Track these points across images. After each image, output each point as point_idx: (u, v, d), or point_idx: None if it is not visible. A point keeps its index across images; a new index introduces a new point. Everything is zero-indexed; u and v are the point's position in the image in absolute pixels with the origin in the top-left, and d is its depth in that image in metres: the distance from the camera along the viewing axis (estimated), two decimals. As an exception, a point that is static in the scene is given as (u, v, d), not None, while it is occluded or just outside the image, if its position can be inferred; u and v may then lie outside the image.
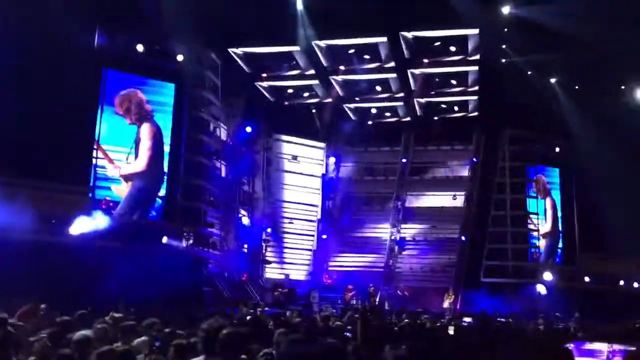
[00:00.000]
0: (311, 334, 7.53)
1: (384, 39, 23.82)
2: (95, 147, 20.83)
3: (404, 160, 30.40)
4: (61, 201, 18.81)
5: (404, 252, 28.73)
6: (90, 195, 20.62)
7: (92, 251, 17.80)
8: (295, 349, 3.38)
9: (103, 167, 21.26)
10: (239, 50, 24.82)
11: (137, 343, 7.01)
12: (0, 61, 17.21)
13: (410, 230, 29.50)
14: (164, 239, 21.41)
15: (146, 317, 8.44)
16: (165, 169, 22.54)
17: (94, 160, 20.86)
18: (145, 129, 22.17)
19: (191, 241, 22.69)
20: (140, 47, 21.58)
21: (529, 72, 25.23)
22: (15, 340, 6.25)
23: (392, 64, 24.94)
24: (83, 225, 19.03)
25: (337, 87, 26.96)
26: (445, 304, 24.92)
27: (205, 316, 9.98)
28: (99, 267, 17.42)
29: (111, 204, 21.10)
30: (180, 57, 22.52)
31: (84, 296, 15.16)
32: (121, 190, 21.53)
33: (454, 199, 29.45)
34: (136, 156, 21.89)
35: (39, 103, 17.79)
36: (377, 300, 25.08)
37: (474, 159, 29.59)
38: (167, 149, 22.56)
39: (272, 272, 27.89)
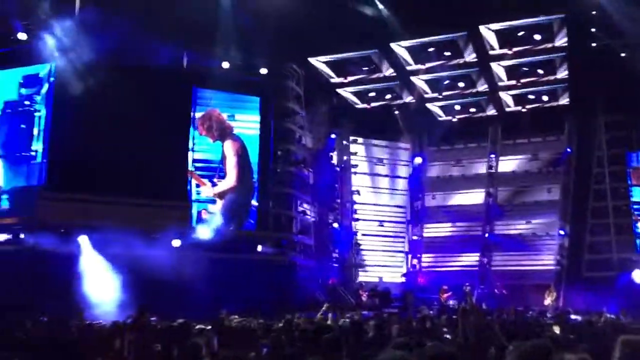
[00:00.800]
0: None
1: (464, 33, 23.35)
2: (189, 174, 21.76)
3: (492, 156, 29.62)
4: (162, 216, 19.83)
5: (498, 250, 27.98)
6: (189, 209, 21.58)
7: (193, 262, 18.67)
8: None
9: (198, 186, 22.21)
10: (319, 59, 25.16)
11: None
12: (96, 83, 18.46)
13: (503, 227, 28.68)
14: (259, 248, 22.10)
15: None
16: (255, 180, 23.24)
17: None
18: (229, 146, 22.90)
19: (284, 249, 23.26)
20: (225, 64, 22.39)
21: (623, 54, 23.87)
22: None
23: (474, 58, 24.39)
24: (184, 238, 20.00)
25: (419, 87, 26.71)
26: (547, 301, 24.00)
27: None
28: (199, 277, 18.24)
29: (208, 217, 21.99)
30: (263, 71, 23.21)
31: (187, 305, 15.98)
32: (217, 208, 22.40)
33: (549, 192, 28.34)
34: (225, 173, 22.64)
35: (135, 122, 18.88)
36: (474, 299, 24.51)
37: (568, 149, 28.35)
38: (255, 160, 23.25)
39: (364, 276, 28.00)
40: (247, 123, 23.50)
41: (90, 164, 18.53)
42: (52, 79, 20.14)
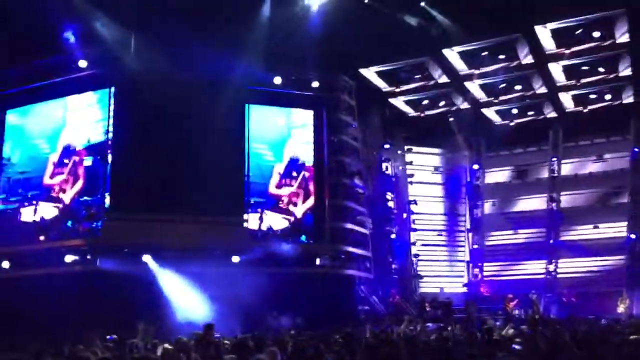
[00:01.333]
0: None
1: (519, 35, 22.77)
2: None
3: (554, 159, 28.67)
4: (221, 233, 20.06)
5: (564, 256, 26.97)
6: (246, 225, 21.75)
7: (252, 278, 18.80)
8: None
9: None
10: (370, 70, 25.06)
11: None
12: (154, 104, 18.92)
13: (568, 232, 27.65)
14: (317, 261, 22.03)
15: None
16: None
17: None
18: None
19: (342, 262, 23.12)
20: (277, 80, 22.58)
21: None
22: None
23: (531, 59, 23.73)
24: (243, 253, 20.17)
25: (474, 92, 26.19)
26: (620, 309, 22.89)
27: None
28: (259, 292, 18.34)
29: (270, 232, 22.14)
30: (315, 84, 23.29)
31: (247, 320, 16.07)
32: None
33: (617, 195, 27.17)
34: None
35: (192, 140, 19.27)
36: (541, 308, 23.68)
37: (636, 149, 27.13)
38: (309, 174, 23.35)
39: (425, 287, 27.52)
40: (301, 137, 23.62)
41: (151, 183, 18.96)
42: (112, 101, 20.77)
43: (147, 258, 18.73)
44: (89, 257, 19.00)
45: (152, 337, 14.17)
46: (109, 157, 20.33)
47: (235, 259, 19.91)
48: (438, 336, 11.34)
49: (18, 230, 21.09)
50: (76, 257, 19.19)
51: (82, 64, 20.67)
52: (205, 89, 19.63)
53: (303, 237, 22.75)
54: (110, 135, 20.46)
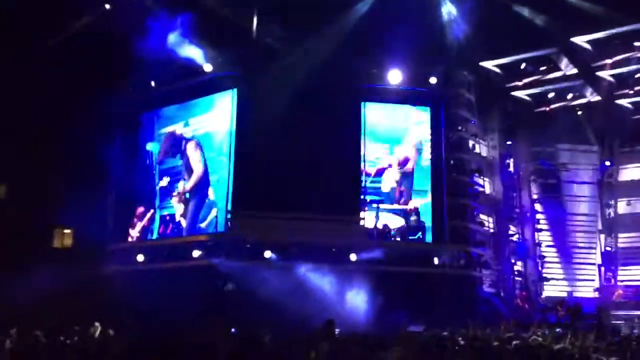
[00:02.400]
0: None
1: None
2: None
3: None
4: (339, 231, 20.22)
5: None
6: (362, 223, 21.75)
7: (371, 276, 18.78)
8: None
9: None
10: (491, 63, 24.12)
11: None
12: (274, 104, 19.46)
13: None
14: (436, 261, 21.58)
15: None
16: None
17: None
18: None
19: (462, 262, 22.47)
20: (394, 77, 22.34)
21: None
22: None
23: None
24: (359, 251, 20.20)
25: (606, 83, 24.38)
26: None
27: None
28: (376, 290, 18.30)
29: (387, 230, 22.01)
30: (432, 80, 22.79)
31: (369, 319, 16.05)
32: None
33: None
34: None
35: (311, 139, 19.60)
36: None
37: None
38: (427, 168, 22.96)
39: (551, 290, 26.04)
40: (418, 133, 23.25)
41: (271, 182, 19.55)
42: (235, 103, 21.65)
43: (268, 254, 19.30)
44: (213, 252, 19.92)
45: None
46: (232, 157, 21.19)
47: (353, 257, 19.98)
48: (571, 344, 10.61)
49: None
50: (201, 252, 20.20)
51: (208, 67, 21.73)
52: (322, 87, 19.85)
53: (419, 235, 22.33)
54: (234, 136, 21.34)
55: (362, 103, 22.48)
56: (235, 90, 21.62)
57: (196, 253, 20.15)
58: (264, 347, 7.85)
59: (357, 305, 17.34)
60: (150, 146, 24.20)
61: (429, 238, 22.39)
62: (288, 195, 19.45)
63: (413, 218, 22.36)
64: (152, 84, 23.40)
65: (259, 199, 19.62)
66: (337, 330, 11.87)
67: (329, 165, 19.88)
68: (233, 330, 13.96)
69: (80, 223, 21.47)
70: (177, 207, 22.72)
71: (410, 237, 22.14)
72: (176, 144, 23.43)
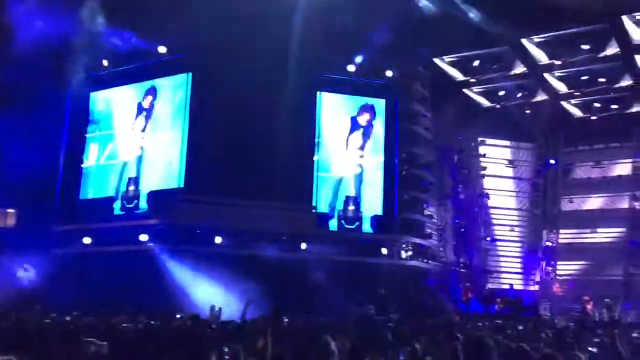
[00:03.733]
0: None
1: (605, 25, 21.66)
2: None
3: (638, 157, 27.16)
4: (289, 220, 20.27)
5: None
6: (314, 212, 21.89)
7: (321, 265, 18.95)
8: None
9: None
10: (445, 59, 24.54)
11: None
12: (228, 92, 19.31)
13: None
14: (384, 251, 21.93)
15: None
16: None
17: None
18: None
19: (410, 253, 22.92)
20: (351, 67, 22.48)
21: None
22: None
23: (617, 50, 22.55)
24: (310, 240, 20.35)
25: (553, 84, 25.18)
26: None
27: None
28: (327, 280, 18.47)
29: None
30: (389, 73, 23.05)
31: (318, 305, 16.20)
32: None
33: None
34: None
35: (264, 128, 19.54)
36: (617, 312, 22.61)
37: None
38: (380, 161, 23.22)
39: (495, 283, 26.89)
40: (372, 125, 23.48)
41: (224, 168, 19.41)
42: (189, 87, 21.37)
43: (218, 240, 19.22)
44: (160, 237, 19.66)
45: (217, 318, 14.58)
46: (185, 141, 20.94)
47: (303, 245, 20.10)
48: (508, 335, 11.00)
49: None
50: (147, 236, 19.91)
51: (162, 49, 21.37)
52: (279, 75, 19.75)
53: (369, 227, 22.61)
54: (187, 121, 21.08)
55: (318, 92, 22.57)
56: (190, 74, 21.34)
57: (143, 237, 19.83)
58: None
59: (306, 292, 17.43)
60: (96, 128, 23.69)
61: (367, 229, 22.62)
62: (240, 183, 19.37)
63: (351, 208, 22.55)
64: (105, 63, 22.85)
65: (211, 185, 19.46)
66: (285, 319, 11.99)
67: (282, 153, 19.84)
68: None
69: (25, 203, 20.88)
70: (129, 190, 22.34)
71: (347, 227, 22.33)
72: (129, 125, 23.01)
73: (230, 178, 19.40)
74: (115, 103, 23.49)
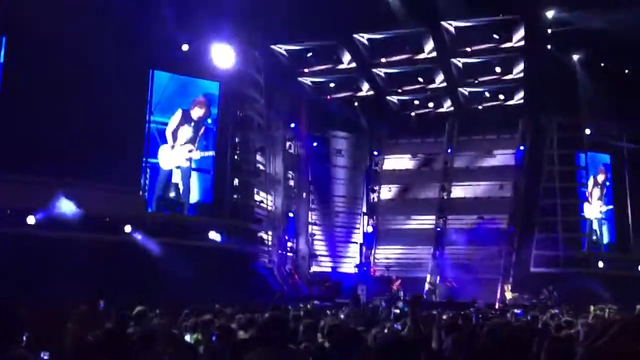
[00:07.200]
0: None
1: (425, 29, 23.66)
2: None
3: (448, 151, 30.10)
4: (114, 202, 19.41)
5: (450, 243, 28.53)
6: (141, 194, 21.20)
7: (147, 249, 18.43)
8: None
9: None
10: (281, 47, 25.04)
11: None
12: (47, 63, 17.87)
13: (456, 221, 29.25)
14: (211, 234, 21.87)
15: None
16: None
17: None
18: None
19: (239, 237, 23.15)
20: (185, 47, 21.91)
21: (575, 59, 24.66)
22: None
23: (434, 53, 24.74)
24: (135, 223, 19.67)
25: (379, 80, 26.92)
26: (509, 296, 24.63)
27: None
28: (154, 265, 18.01)
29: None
30: (224, 56, 22.87)
31: (143, 294, 15.71)
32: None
33: (501, 189, 29.01)
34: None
35: (90, 104, 18.37)
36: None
37: (521, 147, 29.02)
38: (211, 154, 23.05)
39: (318, 266, 28.17)
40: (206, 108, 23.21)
41: (43, 145, 17.91)
42: (3, 51, 19.40)
43: (30, 219, 17.80)
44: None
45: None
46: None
47: (127, 228, 19.36)
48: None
49: None
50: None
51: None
52: (106, 50, 18.61)
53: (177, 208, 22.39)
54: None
55: (150, 71, 21.76)
56: (4, 37, 19.33)
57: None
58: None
59: (128, 278, 16.82)
60: None
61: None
62: (61, 161, 18.04)
63: (172, 195, 22.33)
64: None
65: (26, 163, 17.87)
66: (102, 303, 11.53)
67: (109, 132, 18.82)
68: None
69: None
70: None
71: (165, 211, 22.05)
72: None
73: (50, 156, 17.98)
74: None
